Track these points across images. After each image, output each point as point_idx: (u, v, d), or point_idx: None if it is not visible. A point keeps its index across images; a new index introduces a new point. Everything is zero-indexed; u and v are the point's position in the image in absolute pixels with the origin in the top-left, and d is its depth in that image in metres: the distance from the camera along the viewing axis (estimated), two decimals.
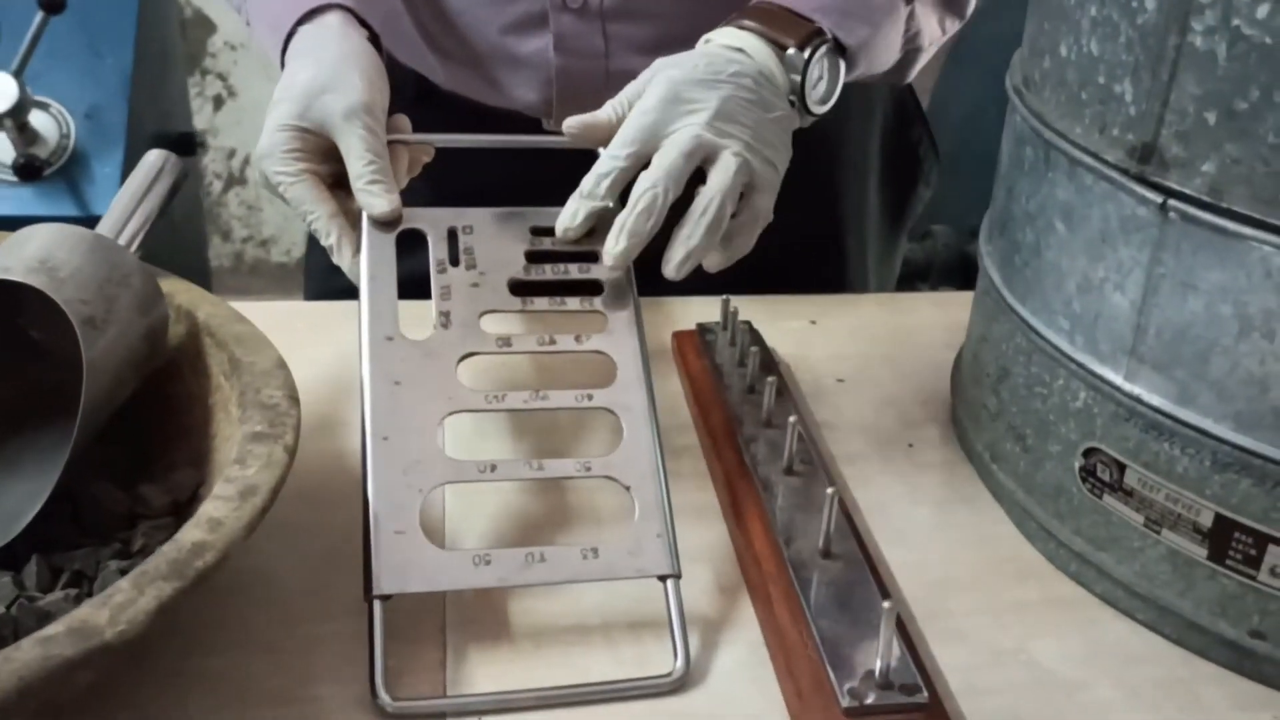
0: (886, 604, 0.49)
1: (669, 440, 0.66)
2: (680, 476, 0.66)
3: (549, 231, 0.65)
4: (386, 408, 0.57)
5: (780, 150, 0.66)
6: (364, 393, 0.58)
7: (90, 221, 0.60)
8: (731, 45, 0.67)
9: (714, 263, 0.66)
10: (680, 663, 0.53)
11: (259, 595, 0.56)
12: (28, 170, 1.38)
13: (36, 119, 1.40)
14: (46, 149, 1.41)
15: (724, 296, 0.75)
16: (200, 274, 1.93)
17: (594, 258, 0.64)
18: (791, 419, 0.61)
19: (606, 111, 0.65)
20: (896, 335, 0.82)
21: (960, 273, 1.74)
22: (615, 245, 0.62)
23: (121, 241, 0.60)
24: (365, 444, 0.57)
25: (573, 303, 0.63)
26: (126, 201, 0.62)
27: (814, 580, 0.55)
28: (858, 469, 0.68)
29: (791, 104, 0.67)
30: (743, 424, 0.66)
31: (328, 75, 0.64)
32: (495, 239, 0.64)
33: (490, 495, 0.63)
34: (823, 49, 0.68)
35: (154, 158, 0.65)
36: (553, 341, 0.61)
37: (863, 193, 0.94)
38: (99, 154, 1.43)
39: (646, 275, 0.86)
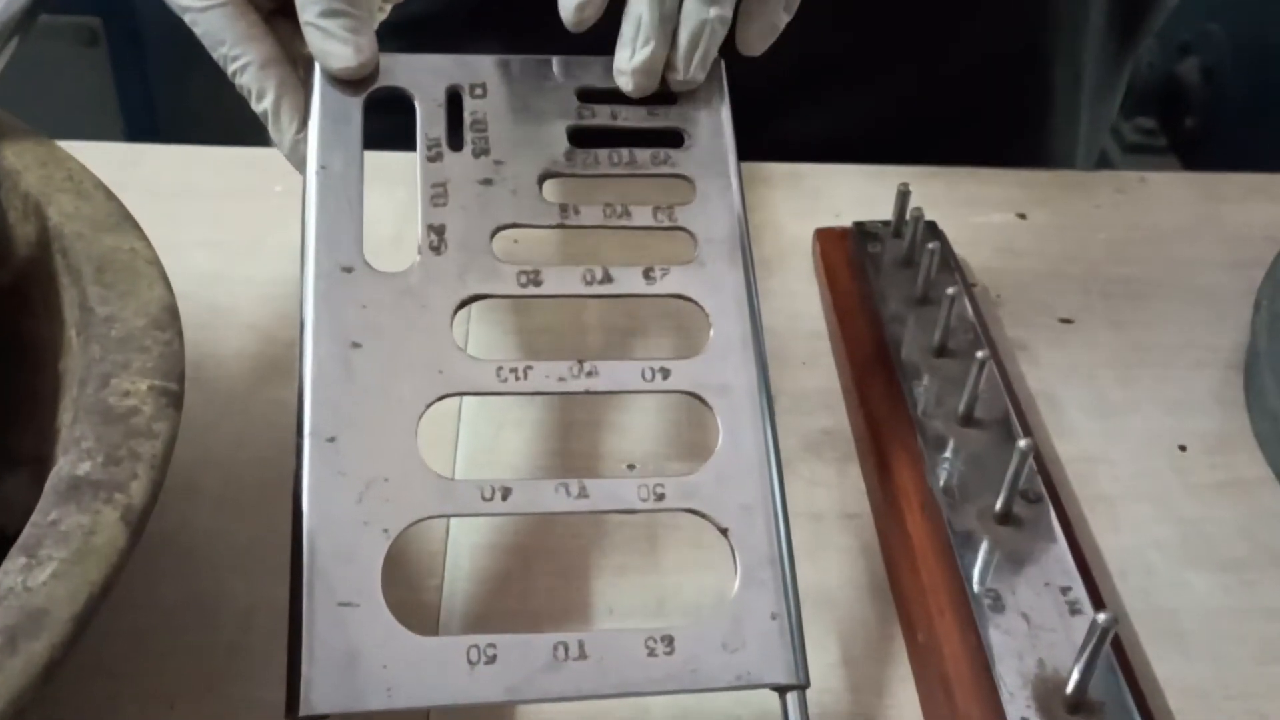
0: None
1: (801, 411, 0.43)
2: (823, 487, 0.43)
3: (606, 95, 0.39)
4: (338, 387, 0.34)
5: None
6: (302, 362, 0.35)
7: None
8: None
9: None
10: None
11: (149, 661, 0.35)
12: None
13: None
14: None
15: (901, 184, 0.49)
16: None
17: (678, 139, 0.40)
18: (1022, 443, 0.36)
19: None
20: (1154, 240, 0.55)
21: (1163, 103, 1.39)
22: (633, 54, 0.38)
23: None
24: (300, 450, 0.34)
25: (641, 214, 0.38)
26: None
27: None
28: (1095, 484, 0.43)
29: None
30: (919, 408, 0.42)
31: None
32: (519, 106, 0.39)
33: (499, 530, 0.40)
34: None
35: None
36: (608, 278, 0.37)
37: None
38: None
39: (764, 124, 0.59)
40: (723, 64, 0.41)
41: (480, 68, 0.40)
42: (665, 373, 0.36)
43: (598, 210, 0.38)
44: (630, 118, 0.40)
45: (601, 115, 0.40)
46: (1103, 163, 0.88)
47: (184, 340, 0.33)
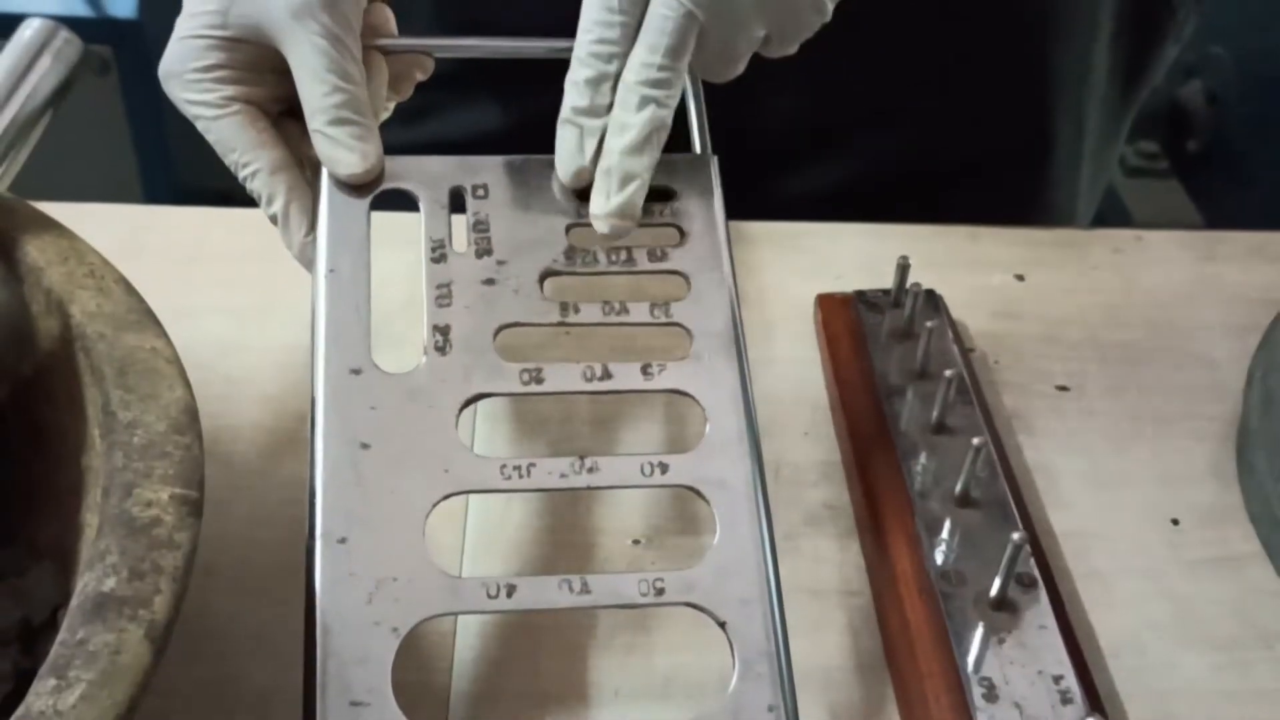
0: None
1: (803, 484, 0.44)
2: (826, 563, 0.44)
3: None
4: (348, 488, 0.36)
5: None
6: (314, 464, 0.36)
7: None
8: None
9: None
10: None
11: None
12: None
13: None
14: None
15: (901, 259, 0.50)
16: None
17: (675, 237, 0.41)
18: (1016, 536, 0.38)
19: None
20: (1151, 303, 0.56)
21: (1166, 127, 1.40)
22: (607, 201, 0.39)
23: None
24: (312, 549, 0.35)
25: (639, 310, 0.39)
26: None
27: None
28: (1089, 559, 0.44)
29: None
30: (916, 486, 0.43)
31: None
32: (521, 206, 0.41)
33: (505, 630, 0.41)
34: None
35: (34, 30, 0.42)
36: (607, 374, 0.38)
37: (1088, 48, 0.66)
38: None
39: (753, 182, 0.61)
40: (714, 158, 0.42)
41: (482, 168, 0.41)
42: (664, 467, 0.37)
43: (597, 308, 0.39)
44: None
45: None
46: (1106, 188, 0.88)
47: (202, 442, 0.35)
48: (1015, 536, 0.37)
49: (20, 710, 0.27)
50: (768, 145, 0.63)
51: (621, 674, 0.40)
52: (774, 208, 0.59)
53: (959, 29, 0.61)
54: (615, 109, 0.39)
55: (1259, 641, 0.42)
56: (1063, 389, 0.51)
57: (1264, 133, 1.28)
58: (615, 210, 0.38)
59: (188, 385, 0.36)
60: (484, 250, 0.40)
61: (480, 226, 0.40)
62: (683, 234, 0.41)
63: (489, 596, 0.35)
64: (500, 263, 0.39)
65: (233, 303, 0.53)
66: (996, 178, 0.67)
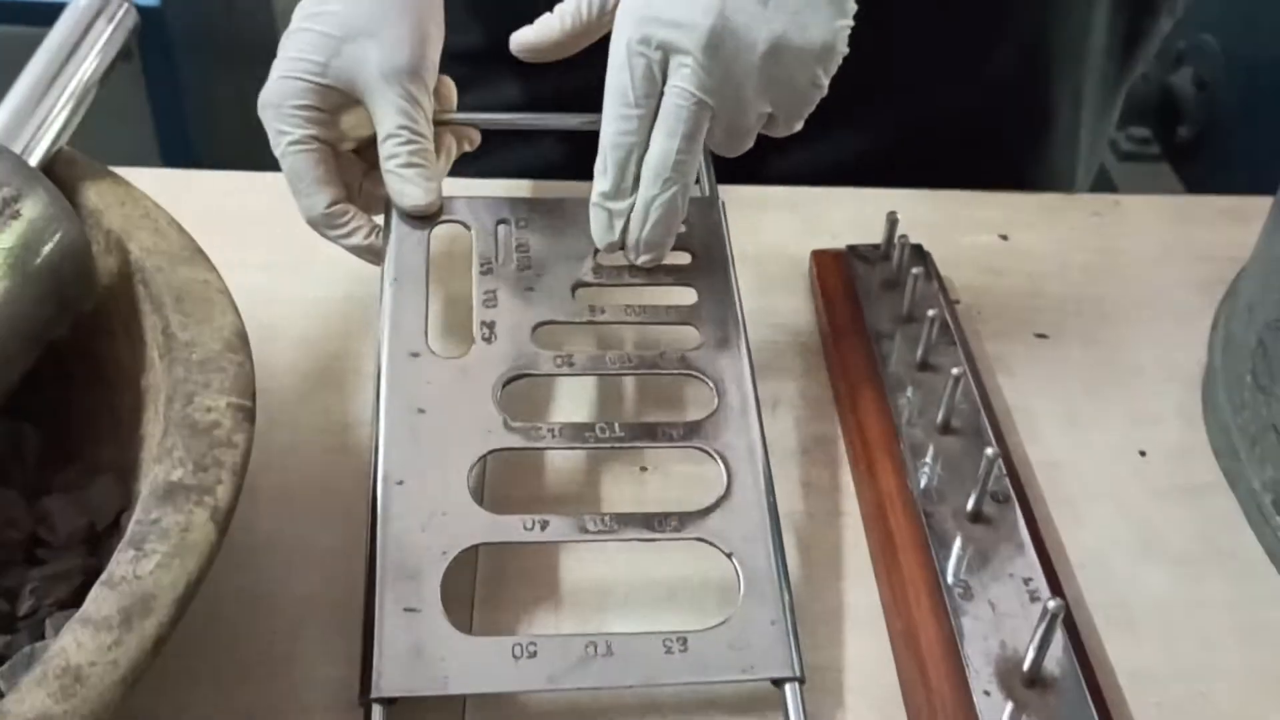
0: None
1: (798, 419, 0.48)
2: (817, 489, 0.47)
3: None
4: (405, 443, 0.42)
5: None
6: (378, 423, 0.42)
7: None
8: None
9: None
10: None
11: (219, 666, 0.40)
12: None
13: None
14: None
15: (890, 214, 0.54)
16: None
17: (687, 251, 0.49)
18: (989, 451, 0.41)
19: (555, 21, 0.48)
20: (1126, 262, 0.59)
21: (1157, 113, 1.44)
22: (636, 259, 0.47)
23: (21, 142, 0.41)
24: (374, 490, 0.41)
25: (655, 312, 0.47)
26: (34, 76, 0.42)
27: (1003, 713, 0.37)
28: (1062, 487, 0.48)
29: None
30: (904, 417, 0.47)
31: (369, 15, 0.47)
32: (556, 233, 0.49)
33: (535, 555, 0.45)
34: None
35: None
36: (628, 360, 0.46)
37: (1085, 21, 0.70)
38: None
39: (769, 155, 0.65)
40: (721, 199, 0.50)
41: (524, 206, 0.49)
42: (680, 431, 0.43)
43: (619, 310, 0.47)
44: None
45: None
46: (1099, 172, 0.92)
47: (252, 361, 0.38)
48: (989, 452, 0.41)
49: (104, 575, 0.31)
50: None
51: (631, 586, 0.44)
52: (775, 180, 0.62)
53: (958, 2, 0.63)
54: (641, 189, 0.45)
55: (1214, 558, 0.46)
56: (1041, 337, 0.55)
57: (1252, 118, 1.31)
58: (643, 264, 0.47)
59: (238, 313, 0.40)
60: (524, 265, 0.47)
61: (522, 248, 0.48)
62: (694, 255, 0.48)
63: (525, 529, 0.40)
64: (538, 275, 0.47)
65: (263, 259, 0.57)
66: (995, 150, 0.69)
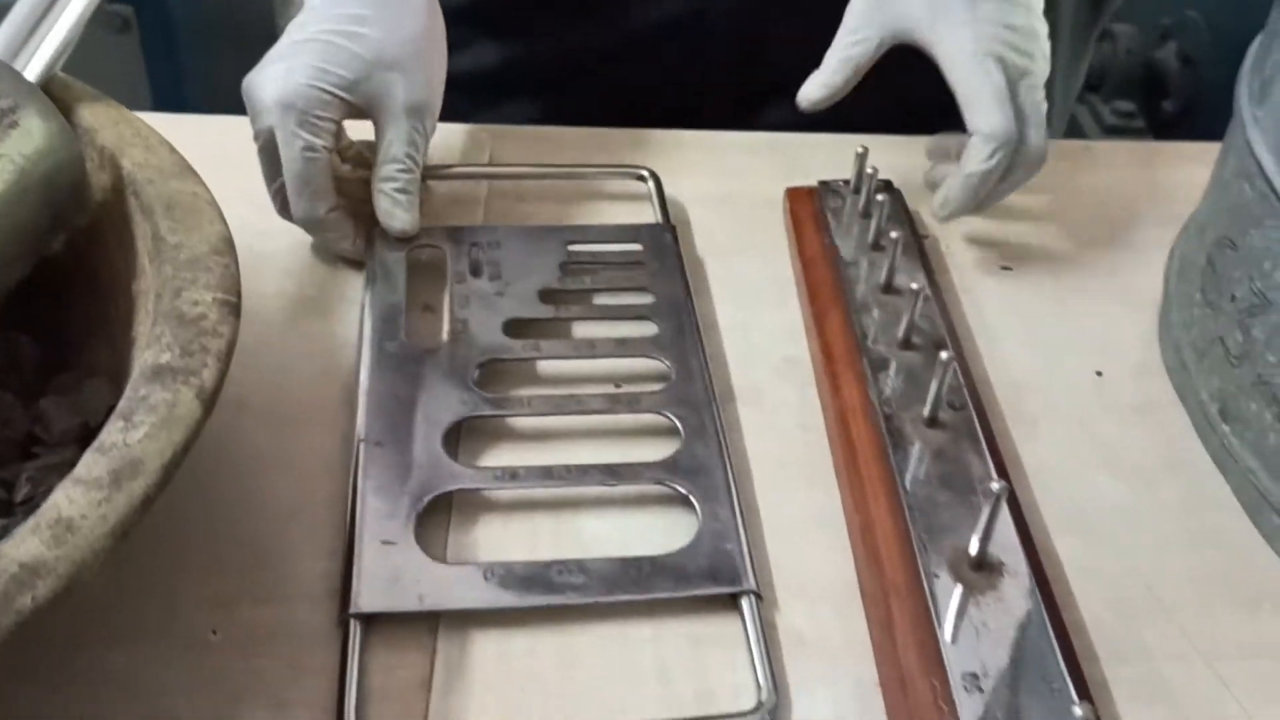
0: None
1: (770, 343, 0.52)
2: (785, 406, 0.49)
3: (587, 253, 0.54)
4: (386, 413, 0.46)
5: None
6: (357, 394, 0.46)
7: None
8: None
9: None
10: (768, 694, 0.38)
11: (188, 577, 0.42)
12: None
13: None
14: None
15: (859, 147, 0.55)
16: None
17: (639, 279, 0.53)
18: (944, 354, 0.43)
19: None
20: (1093, 202, 0.61)
21: (1142, 87, 1.46)
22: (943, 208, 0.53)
23: (20, 60, 0.43)
24: (356, 452, 0.44)
25: (615, 309, 0.52)
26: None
27: (952, 595, 0.38)
28: (1021, 405, 0.50)
29: None
30: (868, 337, 0.48)
31: (401, 48, 0.51)
32: (524, 252, 0.54)
33: (509, 505, 0.46)
34: None
35: None
36: (592, 346, 0.50)
37: None
38: None
39: (762, 102, 0.67)
40: (673, 226, 0.56)
41: (495, 232, 0.54)
42: (637, 400, 0.47)
43: (582, 307, 0.52)
44: (605, 257, 0.54)
45: (583, 256, 0.54)
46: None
47: (238, 265, 0.40)
48: (943, 355, 0.43)
49: (95, 442, 0.33)
50: (759, 82, 0.68)
51: (597, 527, 0.45)
52: (763, 129, 0.64)
53: None
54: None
55: (1166, 468, 0.47)
56: (1006, 268, 0.57)
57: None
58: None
59: (224, 221, 0.42)
60: (494, 276, 0.52)
61: (491, 264, 0.53)
62: (645, 264, 0.54)
63: (495, 479, 0.44)
64: (507, 283, 0.52)
65: (255, 196, 0.58)
66: None
